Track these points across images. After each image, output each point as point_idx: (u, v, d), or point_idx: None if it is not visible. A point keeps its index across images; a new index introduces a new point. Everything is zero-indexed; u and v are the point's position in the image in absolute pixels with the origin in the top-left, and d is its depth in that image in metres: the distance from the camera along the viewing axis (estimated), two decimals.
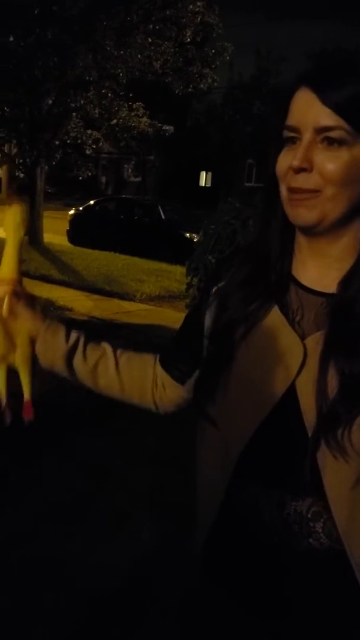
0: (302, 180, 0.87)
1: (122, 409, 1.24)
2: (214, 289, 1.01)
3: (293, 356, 0.89)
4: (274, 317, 0.92)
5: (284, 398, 0.90)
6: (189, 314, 1.12)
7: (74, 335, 1.11)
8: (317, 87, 0.86)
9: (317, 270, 0.93)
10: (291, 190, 0.88)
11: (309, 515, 0.90)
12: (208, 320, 1.00)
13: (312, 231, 0.91)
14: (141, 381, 1.12)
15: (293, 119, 0.88)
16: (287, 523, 0.91)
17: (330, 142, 0.85)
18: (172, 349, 1.11)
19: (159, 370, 1.11)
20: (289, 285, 0.94)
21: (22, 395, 1.12)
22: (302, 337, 0.90)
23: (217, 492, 0.97)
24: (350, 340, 0.86)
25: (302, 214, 0.88)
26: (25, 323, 1.07)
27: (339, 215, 0.88)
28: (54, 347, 1.09)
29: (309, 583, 0.92)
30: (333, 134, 0.84)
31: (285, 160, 0.89)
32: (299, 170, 0.86)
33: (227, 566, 0.99)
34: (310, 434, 0.87)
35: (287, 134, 0.89)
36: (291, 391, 0.89)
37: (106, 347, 1.13)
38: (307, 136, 0.86)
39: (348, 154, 0.85)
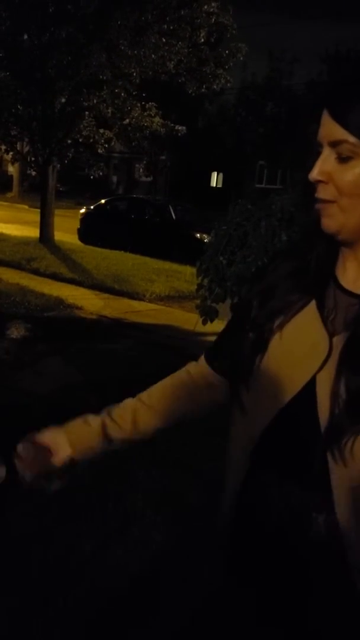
0: (322, 191, 0.92)
1: None
2: (261, 282, 1.06)
3: (317, 352, 0.92)
4: (309, 311, 0.96)
5: (303, 391, 0.92)
6: (236, 307, 1.14)
7: (96, 420, 1.15)
8: (329, 103, 0.91)
9: (355, 272, 0.96)
10: (316, 199, 0.94)
11: (313, 508, 0.92)
12: (253, 311, 1.05)
13: (337, 238, 0.95)
14: (188, 394, 1.15)
15: (318, 134, 0.94)
16: (292, 514, 0.94)
17: (342, 155, 0.89)
18: (216, 343, 1.15)
19: (204, 369, 1.15)
20: (329, 283, 0.97)
21: None
22: (331, 335, 0.93)
23: (236, 477, 1.01)
24: (357, 352, 0.89)
25: (325, 222, 0.94)
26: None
27: (355, 225, 0.91)
28: (86, 444, 1.14)
29: (308, 575, 0.94)
30: (342, 148, 0.89)
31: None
32: (317, 182, 0.92)
33: (240, 553, 1.03)
34: (322, 430, 0.90)
35: (317, 148, 0.95)
36: (311, 386, 0.92)
37: (128, 402, 1.17)
38: (324, 150, 0.92)
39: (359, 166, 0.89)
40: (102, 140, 13.50)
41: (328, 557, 0.92)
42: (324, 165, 0.91)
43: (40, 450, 1.12)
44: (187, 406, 1.16)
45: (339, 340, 0.92)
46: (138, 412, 1.15)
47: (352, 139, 0.88)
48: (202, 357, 1.18)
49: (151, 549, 2.74)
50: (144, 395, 1.17)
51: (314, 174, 0.91)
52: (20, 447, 1.12)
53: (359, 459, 0.87)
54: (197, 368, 1.18)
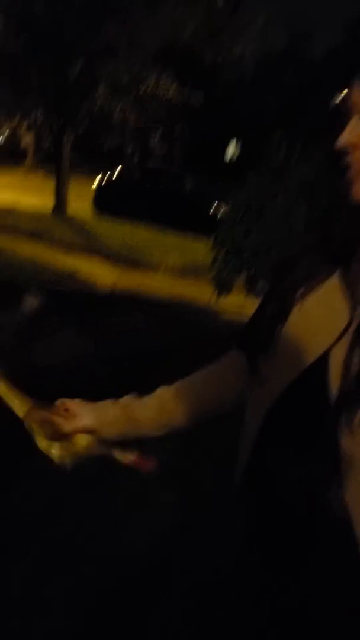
0: (351, 158, 0.91)
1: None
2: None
3: (337, 323, 0.90)
4: (333, 283, 0.94)
5: (318, 361, 0.91)
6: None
7: (123, 400, 1.14)
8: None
9: None
10: (344, 169, 0.93)
11: (323, 481, 0.92)
12: (276, 281, 1.04)
13: None
14: (220, 381, 1.14)
15: (348, 102, 0.92)
16: (303, 485, 0.94)
17: None
18: (246, 326, 1.11)
19: (235, 354, 1.13)
20: (355, 254, 0.94)
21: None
22: (353, 308, 0.90)
23: (248, 448, 1.01)
24: None
25: (356, 189, 0.92)
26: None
27: None
28: (112, 424, 1.12)
29: (318, 547, 0.94)
30: None
31: None
32: (345, 148, 0.91)
33: (252, 525, 1.04)
34: (332, 401, 0.89)
35: (345, 115, 0.93)
36: (327, 356, 0.91)
37: (162, 390, 1.15)
38: (353, 118, 0.91)
39: None
40: (117, 110, 13.31)
41: (337, 531, 0.91)
42: (354, 130, 0.90)
43: (58, 412, 1.10)
44: (219, 394, 1.14)
45: (359, 312, 0.90)
46: (165, 398, 1.13)
47: None
48: (233, 346, 1.16)
49: (164, 524, 2.73)
50: (177, 384, 1.15)
51: (343, 141, 0.90)
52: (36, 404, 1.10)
53: None
54: (228, 356, 1.16)
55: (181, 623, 2.17)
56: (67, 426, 1.09)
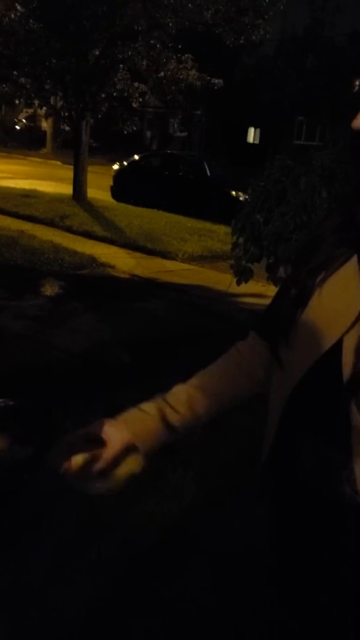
0: None
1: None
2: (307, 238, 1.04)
3: (350, 309, 0.90)
4: (350, 267, 0.93)
5: (334, 347, 0.92)
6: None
7: (150, 408, 1.09)
8: None
9: None
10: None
11: (338, 464, 0.93)
12: (297, 266, 1.03)
13: None
14: (240, 371, 1.12)
15: None
16: (321, 468, 0.95)
17: None
18: (265, 313, 1.11)
19: (254, 341, 1.12)
20: None
21: None
22: None
23: (272, 432, 1.02)
24: None
25: None
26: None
27: None
28: (147, 430, 1.08)
29: (336, 529, 0.96)
30: None
31: None
32: None
33: (275, 506, 1.05)
34: (345, 386, 0.90)
35: None
36: (340, 344, 0.91)
37: (179, 388, 1.12)
38: None
39: None
40: (137, 94, 13.21)
41: (353, 514, 0.92)
42: None
43: (89, 444, 1.02)
44: (240, 383, 1.13)
45: None
46: (192, 396, 1.10)
47: None
48: (251, 332, 1.15)
49: (182, 503, 2.75)
50: (193, 379, 1.12)
51: (358, 123, 0.90)
52: (67, 441, 1.01)
53: None
54: (246, 343, 1.15)
55: (201, 598, 2.19)
56: (107, 454, 1.02)
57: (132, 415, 1.08)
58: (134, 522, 2.60)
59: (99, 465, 1.01)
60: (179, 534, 2.56)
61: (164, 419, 1.08)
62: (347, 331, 0.90)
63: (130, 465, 1.03)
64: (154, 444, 1.07)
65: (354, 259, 0.94)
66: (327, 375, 0.93)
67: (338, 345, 0.92)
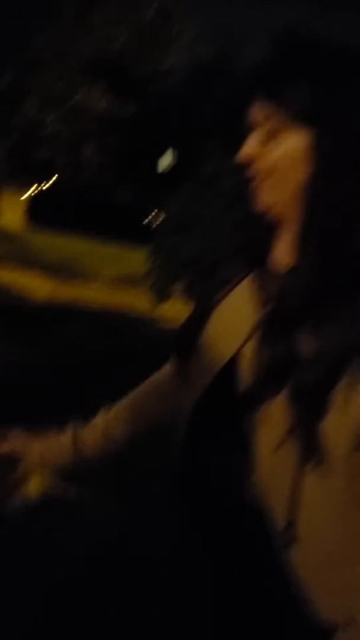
0: (250, 171, 0.96)
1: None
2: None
3: (245, 323, 0.95)
4: (245, 286, 1.00)
5: (231, 361, 0.96)
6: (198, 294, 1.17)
7: (64, 431, 1.13)
8: (261, 81, 0.95)
9: (285, 250, 0.98)
10: (249, 180, 0.98)
11: (242, 471, 0.95)
12: (201, 286, 1.07)
13: (267, 217, 0.98)
14: (158, 401, 1.16)
15: (251, 115, 0.97)
16: (226, 476, 0.98)
17: (268, 132, 0.93)
18: (179, 331, 1.12)
19: (173, 364, 1.14)
20: (264, 260, 1.01)
21: None
22: (259, 309, 0.96)
23: (178, 443, 1.04)
24: (279, 324, 0.92)
25: (255, 203, 0.98)
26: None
27: (283, 203, 0.94)
28: (59, 456, 1.11)
29: (239, 537, 0.98)
30: (268, 125, 0.92)
31: None
32: (245, 161, 0.95)
33: (189, 518, 1.06)
34: (243, 397, 0.94)
35: (249, 128, 0.97)
36: (237, 358, 0.95)
37: (99, 418, 1.15)
38: (254, 130, 0.95)
39: (286, 141, 0.92)
40: (48, 122, 13.16)
41: (257, 521, 0.95)
42: (253, 142, 0.94)
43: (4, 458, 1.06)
44: (165, 405, 1.15)
45: (264, 312, 0.95)
46: (109, 422, 1.14)
47: (278, 114, 0.91)
48: (171, 354, 1.17)
49: (103, 517, 2.70)
50: (115, 406, 1.17)
51: (244, 152, 0.94)
52: None
53: (275, 418, 0.90)
54: (166, 367, 1.18)
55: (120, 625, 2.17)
56: (20, 470, 1.07)
57: (44, 435, 1.12)
58: (53, 551, 2.54)
59: (9, 480, 1.05)
60: (94, 560, 2.52)
61: (75, 443, 1.11)
62: (243, 345, 0.95)
63: (36, 485, 1.05)
64: (61, 466, 1.10)
65: (249, 278, 1.01)
66: (227, 387, 0.96)
67: (237, 358, 0.95)
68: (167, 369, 1.17)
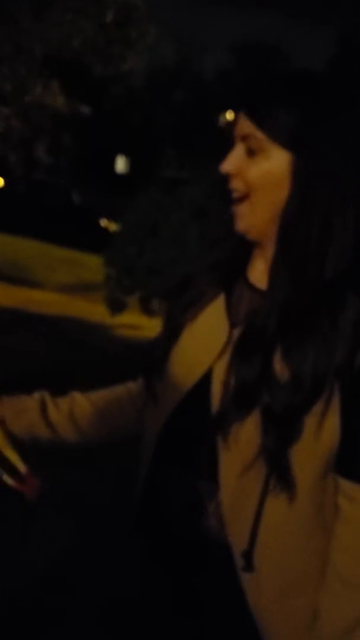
0: (233, 183, 0.95)
1: None
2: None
3: (217, 342, 0.95)
4: (217, 304, 0.98)
5: (202, 381, 0.95)
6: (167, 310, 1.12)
7: (36, 393, 1.13)
8: (244, 99, 0.94)
9: (261, 269, 0.98)
10: (231, 195, 0.96)
11: (205, 495, 0.95)
12: (171, 302, 1.06)
13: (247, 237, 0.97)
14: (126, 407, 1.14)
15: (235, 127, 0.96)
16: (187, 499, 0.97)
17: (250, 149, 0.92)
18: (150, 347, 1.10)
19: (145, 381, 1.10)
20: (239, 278, 1.00)
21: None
22: (232, 327, 0.95)
23: (144, 467, 1.03)
24: (251, 345, 0.91)
25: (237, 223, 0.96)
26: None
27: (262, 224, 0.94)
28: (23, 414, 1.10)
29: (199, 563, 0.98)
30: (251, 142, 0.92)
31: None
32: (228, 173, 0.95)
33: (149, 543, 1.06)
34: (212, 418, 0.92)
35: (232, 140, 0.96)
36: (209, 376, 0.94)
37: (74, 393, 1.15)
38: (237, 143, 0.94)
39: (266, 162, 0.91)
40: (0, 117, 12.79)
41: (218, 546, 0.95)
42: (234, 157, 0.94)
43: None
44: (128, 413, 1.14)
45: (236, 332, 0.94)
46: (77, 402, 1.13)
47: (259, 134, 0.90)
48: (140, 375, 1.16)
49: (58, 546, 2.64)
50: (90, 393, 1.15)
51: (225, 166, 0.94)
52: None
53: (245, 441, 0.89)
54: (136, 382, 1.16)
55: None
56: None
57: (10, 399, 1.11)
58: (4, 570, 2.42)
59: None
60: (54, 581, 2.43)
61: (42, 409, 1.10)
62: (214, 365, 0.94)
63: None
64: (23, 430, 1.09)
65: (221, 297, 0.99)
66: (197, 408, 0.95)
67: (208, 378, 0.94)
68: (139, 382, 1.14)
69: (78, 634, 2.15)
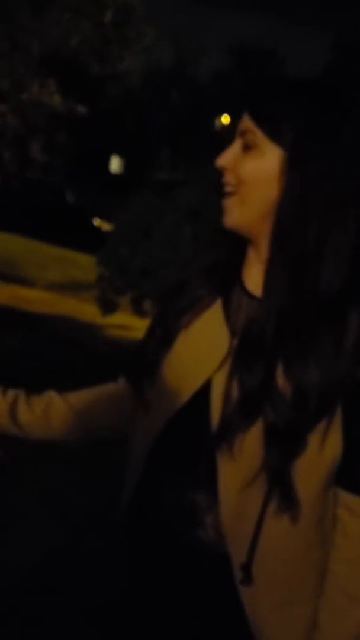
0: (226, 177, 0.94)
1: None
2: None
3: (217, 351, 0.92)
4: (214, 311, 0.96)
5: (201, 390, 0.92)
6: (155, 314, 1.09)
7: (11, 392, 1.10)
8: (246, 98, 0.95)
9: (257, 274, 0.95)
10: (222, 194, 0.96)
11: (203, 506, 0.93)
12: (164, 307, 1.03)
13: (238, 235, 0.96)
14: (105, 408, 1.11)
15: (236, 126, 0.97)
16: (182, 510, 0.95)
17: (246, 144, 0.92)
18: (137, 349, 1.07)
19: (124, 385, 1.10)
20: (236, 284, 0.98)
21: None
22: (231, 335, 0.93)
23: (134, 476, 1.01)
24: (252, 355, 0.88)
25: (225, 218, 0.95)
26: None
27: (252, 220, 0.92)
28: None
29: (193, 573, 0.96)
30: (247, 137, 0.92)
31: None
32: (222, 168, 0.95)
33: (137, 551, 1.04)
34: (213, 429, 0.90)
35: (230, 138, 0.97)
36: (208, 386, 0.92)
37: (51, 393, 1.12)
38: (235, 140, 0.95)
39: (259, 158, 0.91)
40: None
41: (215, 558, 0.93)
42: (230, 153, 0.94)
43: None
44: (108, 416, 1.12)
45: (236, 342, 0.92)
46: (54, 403, 1.10)
47: (258, 130, 0.91)
48: (120, 377, 1.14)
49: (42, 547, 2.62)
50: (67, 394, 1.12)
51: (220, 161, 0.94)
52: None
53: (247, 454, 0.88)
54: (117, 385, 1.13)
55: None
56: None
57: None
58: None
59: None
60: (39, 583, 2.42)
61: (12, 409, 1.08)
62: (214, 374, 0.91)
63: None
64: None
65: (218, 303, 0.96)
66: (194, 418, 0.93)
67: (206, 390, 0.92)
68: (120, 383, 1.12)
69: (62, 636, 2.14)
